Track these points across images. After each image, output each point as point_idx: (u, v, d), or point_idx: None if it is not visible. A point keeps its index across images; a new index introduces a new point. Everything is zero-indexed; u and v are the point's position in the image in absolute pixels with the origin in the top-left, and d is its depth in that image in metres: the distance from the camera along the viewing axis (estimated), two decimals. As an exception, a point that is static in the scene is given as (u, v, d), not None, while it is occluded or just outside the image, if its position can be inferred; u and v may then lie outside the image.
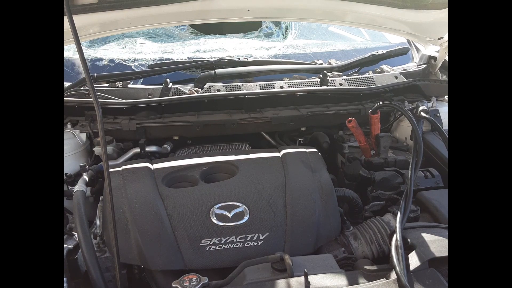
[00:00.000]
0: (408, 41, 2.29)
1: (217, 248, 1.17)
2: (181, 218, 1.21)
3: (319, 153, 1.58)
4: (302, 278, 0.98)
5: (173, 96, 1.73)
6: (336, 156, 1.86)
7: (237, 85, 1.82)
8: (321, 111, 1.83)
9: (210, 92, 1.77)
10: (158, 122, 1.68)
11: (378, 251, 1.34)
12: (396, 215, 1.40)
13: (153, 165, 1.43)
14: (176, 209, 1.23)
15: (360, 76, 2.00)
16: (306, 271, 0.99)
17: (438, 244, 1.03)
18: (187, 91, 1.77)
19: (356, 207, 1.50)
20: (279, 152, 1.55)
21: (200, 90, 1.78)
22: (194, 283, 1.00)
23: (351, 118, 1.62)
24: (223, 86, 1.83)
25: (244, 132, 1.80)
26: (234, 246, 1.17)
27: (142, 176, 1.35)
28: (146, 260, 1.14)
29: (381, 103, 1.62)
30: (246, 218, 1.23)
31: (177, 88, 1.76)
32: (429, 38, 1.91)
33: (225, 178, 1.44)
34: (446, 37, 1.84)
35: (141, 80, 1.93)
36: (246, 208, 1.26)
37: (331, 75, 1.96)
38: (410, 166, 1.38)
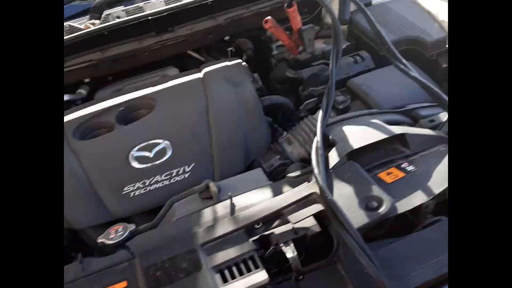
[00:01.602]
0: None
1: (142, 191, 1.12)
2: (99, 170, 1.14)
3: (244, 64, 1.47)
4: (229, 202, 0.96)
5: (66, 36, 1.53)
6: (269, 59, 1.75)
7: (138, 6, 1.62)
8: (240, 15, 1.67)
9: (109, 21, 1.57)
10: None
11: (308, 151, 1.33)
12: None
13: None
14: (92, 162, 1.16)
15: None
16: (230, 194, 0.97)
17: (358, 135, 1.01)
18: (82, 27, 1.57)
19: (288, 112, 1.45)
20: (201, 71, 1.43)
21: (97, 21, 1.58)
22: (121, 232, 0.96)
23: (267, 18, 1.48)
24: (123, 11, 1.62)
25: (161, 57, 1.65)
26: (160, 185, 1.13)
27: None
28: (68, 221, 1.09)
29: None
30: (169, 153, 1.17)
31: (69, 25, 1.56)
32: None
33: (145, 115, 1.35)
34: None
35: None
36: (167, 143, 1.19)
37: None
38: (331, 57, 1.29)
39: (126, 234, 0.96)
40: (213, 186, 1.01)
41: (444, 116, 1.09)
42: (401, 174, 0.90)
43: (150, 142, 1.19)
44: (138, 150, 1.18)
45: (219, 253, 0.81)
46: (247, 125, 1.25)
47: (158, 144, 1.19)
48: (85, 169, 1.15)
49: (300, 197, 0.88)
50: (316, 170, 0.89)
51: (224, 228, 0.86)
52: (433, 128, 1.06)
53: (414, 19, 1.63)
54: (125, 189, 1.12)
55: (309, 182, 0.94)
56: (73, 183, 1.12)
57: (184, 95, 1.34)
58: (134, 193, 1.12)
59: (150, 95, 1.37)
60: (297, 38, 1.58)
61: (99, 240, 0.96)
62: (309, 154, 1.33)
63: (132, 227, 0.98)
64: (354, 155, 0.96)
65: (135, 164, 1.15)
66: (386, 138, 0.97)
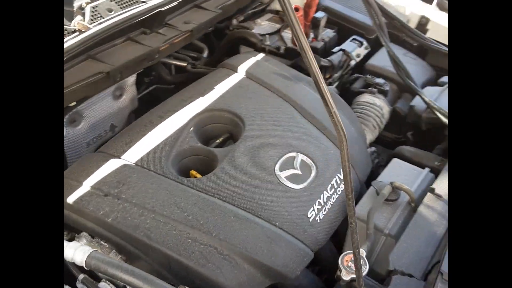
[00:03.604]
0: None
1: (323, 212, 0.97)
2: (263, 204, 0.91)
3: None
4: (427, 202, 0.96)
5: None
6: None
7: None
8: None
9: (102, 16, 1.15)
10: None
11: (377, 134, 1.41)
12: (373, 93, 1.46)
13: (122, 156, 0.96)
14: (245, 197, 0.91)
15: None
16: (433, 187, 0.97)
17: None
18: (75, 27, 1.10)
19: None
20: (234, 70, 1.26)
21: (82, 19, 1.13)
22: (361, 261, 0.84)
23: (297, 6, 1.41)
24: (112, 1, 1.22)
25: (165, 55, 1.35)
26: (333, 200, 1.00)
27: (149, 180, 0.89)
28: (281, 273, 0.86)
29: None
30: (312, 164, 1.02)
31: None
32: None
33: (221, 128, 1.12)
34: None
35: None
36: (299, 154, 1.03)
37: None
38: (384, 42, 1.36)
39: (366, 262, 0.84)
40: (402, 185, 0.97)
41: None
42: None
43: (284, 157, 1.01)
44: (281, 169, 0.98)
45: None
46: (347, 118, 1.20)
47: (294, 157, 1.02)
48: (248, 209, 0.89)
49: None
50: None
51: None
52: None
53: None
54: (309, 215, 0.93)
55: None
56: (254, 228, 0.87)
57: (254, 97, 1.17)
58: (319, 216, 0.95)
59: (210, 107, 1.13)
60: (308, 26, 1.58)
61: (346, 278, 0.81)
62: (375, 138, 1.41)
63: (363, 252, 0.86)
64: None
65: (292, 185, 0.96)
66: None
